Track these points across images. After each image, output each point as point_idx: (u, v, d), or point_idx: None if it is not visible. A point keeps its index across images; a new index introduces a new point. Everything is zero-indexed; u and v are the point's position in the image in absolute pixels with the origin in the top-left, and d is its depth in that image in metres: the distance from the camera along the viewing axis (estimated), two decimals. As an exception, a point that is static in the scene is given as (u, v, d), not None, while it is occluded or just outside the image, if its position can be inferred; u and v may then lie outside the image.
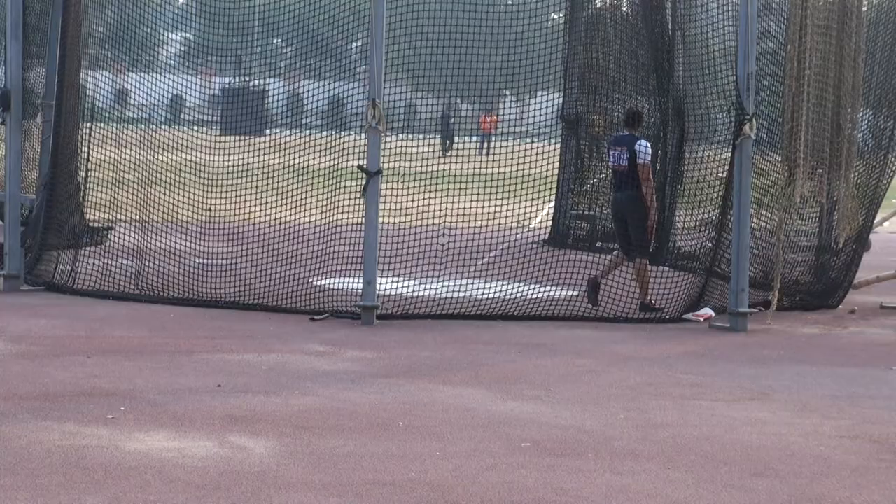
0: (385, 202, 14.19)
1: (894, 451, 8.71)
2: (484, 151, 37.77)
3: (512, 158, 16.14)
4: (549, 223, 20.47)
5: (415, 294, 15.03)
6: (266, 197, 15.82)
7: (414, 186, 15.79)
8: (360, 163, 13.67)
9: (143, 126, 17.08)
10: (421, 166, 15.76)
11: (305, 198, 15.27)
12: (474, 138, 42.05)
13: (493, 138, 38.15)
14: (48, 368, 10.84)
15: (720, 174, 14.75)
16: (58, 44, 15.89)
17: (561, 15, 20.92)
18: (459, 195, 15.92)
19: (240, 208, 16.00)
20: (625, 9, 19.73)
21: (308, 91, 18.16)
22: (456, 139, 39.83)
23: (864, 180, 15.78)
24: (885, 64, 16.11)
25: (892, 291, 16.28)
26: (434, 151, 15.80)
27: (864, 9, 14.99)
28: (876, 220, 16.60)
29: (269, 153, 16.53)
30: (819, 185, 14.79)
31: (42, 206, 16.02)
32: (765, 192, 14.63)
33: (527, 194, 16.50)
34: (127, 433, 8.62)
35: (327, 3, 15.95)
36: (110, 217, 16.23)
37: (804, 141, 14.22)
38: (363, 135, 13.80)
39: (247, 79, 22.53)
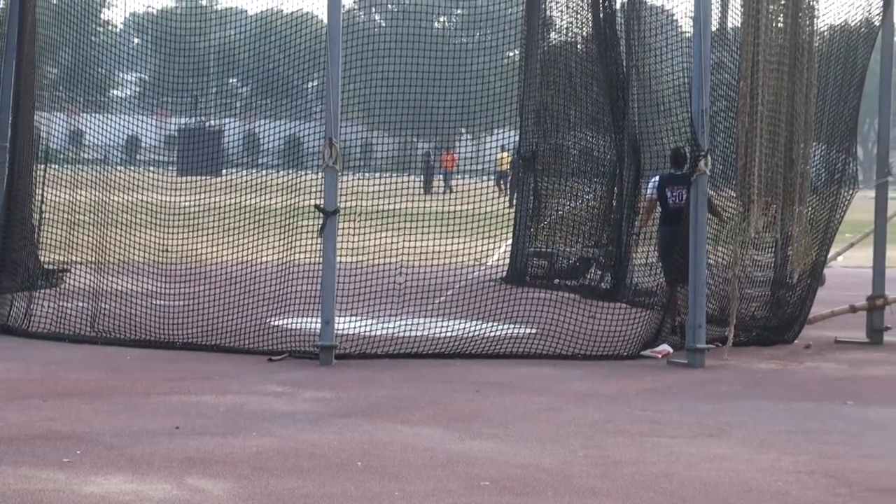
0: (342, 241, 14.18)
1: (850, 486, 8.75)
2: (444, 189, 37.87)
3: (469, 196, 16.18)
4: (507, 261, 20.49)
5: (373, 333, 15.01)
6: (223, 237, 15.78)
7: (371, 225, 15.78)
8: (318, 202, 13.67)
9: (98, 167, 17.01)
10: (378, 205, 15.76)
11: (263, 237, 15.23)
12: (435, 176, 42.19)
13: (452, 176, 38.24)
14: (2, 412, 10.74)
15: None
16: (11, 85, 15.82)
17: (516, 53, 21.01)
18: (417, 233, 15.93)
19: (197, 249, 15.95)
20: (579, 46, 19.83)
21: (264, 130, 18.14)
22: (428, 178, 39.85)
23: (818, 215, 15.89)
24: (836, 99, 16.23)
25: (846, 326, 16.37)
26: (391, 190, 15.77)
27: (816, 44, 15.11)
28: (830, 255, 16.70)
29: (226, 193, 16.50)
30: (773, 221, 14.88)
31: (-5, 248, 15.91)
32: (720, 228, 14.70)
33: (484, 232, 16.52)
34: (83, 477, 8.55)
35: (283, 43, 15.98)
36: (65, 259, 16.14)
37: (758, 176, 14.32)
38: (320, 174, 13.80)
39: (203, 119, 22.50)
